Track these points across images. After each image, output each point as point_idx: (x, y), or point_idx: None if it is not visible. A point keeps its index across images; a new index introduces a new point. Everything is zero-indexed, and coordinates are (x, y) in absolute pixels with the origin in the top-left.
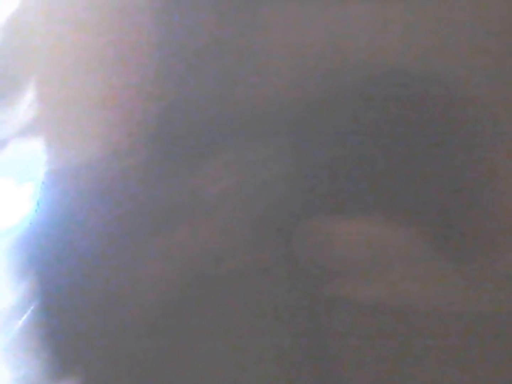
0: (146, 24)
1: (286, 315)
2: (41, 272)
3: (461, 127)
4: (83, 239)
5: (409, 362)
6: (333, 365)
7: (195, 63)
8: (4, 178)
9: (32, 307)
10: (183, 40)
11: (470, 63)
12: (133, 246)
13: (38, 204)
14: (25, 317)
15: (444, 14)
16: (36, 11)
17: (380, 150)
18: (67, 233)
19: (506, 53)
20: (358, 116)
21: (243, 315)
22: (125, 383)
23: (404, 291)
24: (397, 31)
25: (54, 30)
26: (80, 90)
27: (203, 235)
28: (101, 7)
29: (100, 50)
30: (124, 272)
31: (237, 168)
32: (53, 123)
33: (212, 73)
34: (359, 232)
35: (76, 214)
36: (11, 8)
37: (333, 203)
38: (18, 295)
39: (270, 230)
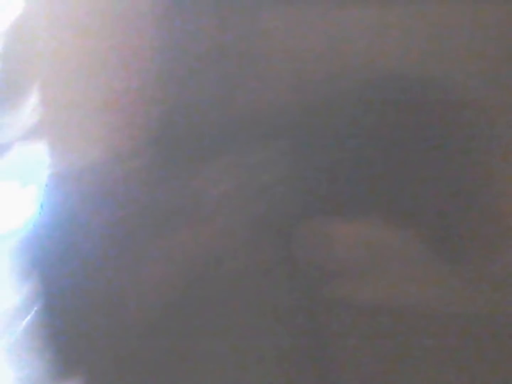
0: (148, 29)
1: (286, 315)
2: (44, 273)
3: (458, 131)
4: (86, 241)
5: (407, 362)
6: (332, 365)
7: (196, 67)
8: (8, 181)
9: (35, 308)
10: (184, 44)
11: (467, 67)
12: (135, 247)
13: (41, 206)
14: (28, 318)
15: (442, 19)
16: (39, 16)
17: (379, 153)
18: (70, 235)
19: (503, 58)
20: (357, 120)
21: (243, 315)
22: (128, 383)
23: (402, 292)
24: (395, 35)
25: (57, 35)
26: (83, 94)
27: (204, 237)
28: (103, 12)
29: (102, 54)
30: (126, 274)
31: (237, 171)
32: (56, 126)
33: (213, 77)
34: (357, 234)
35: (79, 217)
36: (15, 13)
37: (332, 205)
38: (22, 296)
39: (270, 232)
